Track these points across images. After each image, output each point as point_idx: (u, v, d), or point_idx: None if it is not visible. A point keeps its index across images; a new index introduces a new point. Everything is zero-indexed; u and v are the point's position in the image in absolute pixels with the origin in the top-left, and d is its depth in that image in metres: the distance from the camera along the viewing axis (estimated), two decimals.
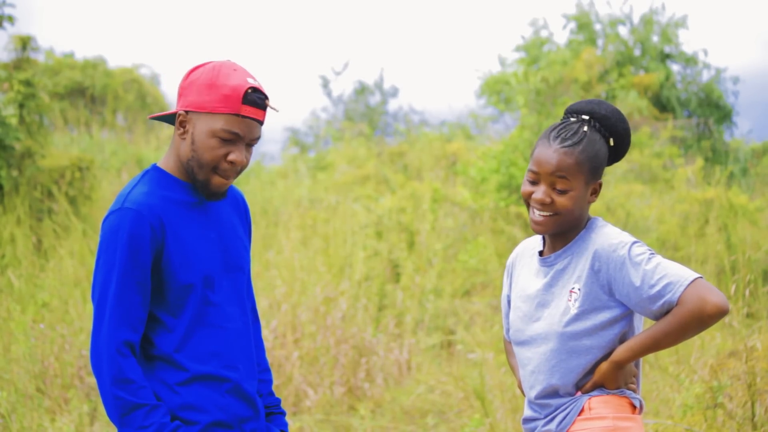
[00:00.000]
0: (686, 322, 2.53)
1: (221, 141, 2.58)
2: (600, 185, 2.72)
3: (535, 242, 2.85)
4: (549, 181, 2.66)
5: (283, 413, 2.89)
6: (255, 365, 2.76)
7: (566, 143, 2.66)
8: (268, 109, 2.66)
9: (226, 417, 2.64)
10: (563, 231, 2.72)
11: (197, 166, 2.61)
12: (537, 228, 2.70)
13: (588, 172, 2.67)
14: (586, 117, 2.71)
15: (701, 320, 2.52)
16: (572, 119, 2.72)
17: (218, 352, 2.64)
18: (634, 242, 2.61)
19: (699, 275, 2.57)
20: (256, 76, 2.66)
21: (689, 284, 2.53)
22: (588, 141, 2.67)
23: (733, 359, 5.15)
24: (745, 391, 4.65)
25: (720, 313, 2.51)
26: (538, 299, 2.73)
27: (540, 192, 2.67)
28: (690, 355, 5.60)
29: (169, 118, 2.71)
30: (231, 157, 2.59)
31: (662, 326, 2.56)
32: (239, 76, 2.60)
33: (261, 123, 2.63)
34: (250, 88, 2.58)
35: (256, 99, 2.59)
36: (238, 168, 2.63)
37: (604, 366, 2.64)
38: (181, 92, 2.64)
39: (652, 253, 2.60)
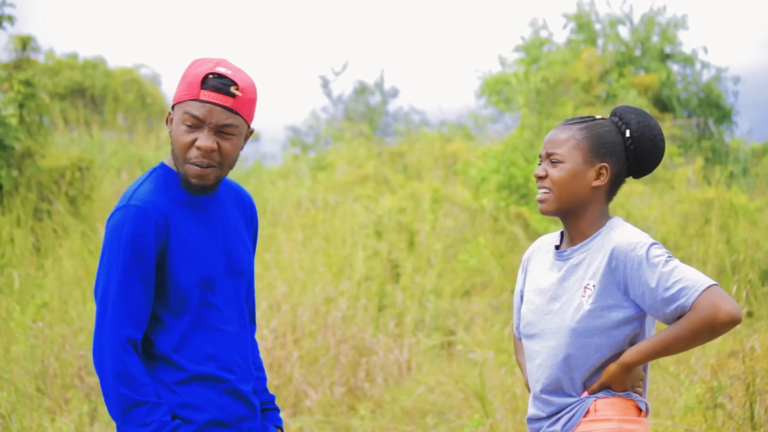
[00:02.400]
0: (698, 328, 2.53)
1: (188, 128, 2.58)
2: (606, 169, 2.70)
3: (553, 238, 2.86)
4: (547, 157, 2.73)
5: (277, 409, 2.88)
6: (251, 368, 2.76)
7: (568, 123, 2.74)
8: (239, 97, 2.60)
9: (224, 416, 2.64)
10: (569, 212, 2.72)
11: (175, 158, 2.63)
12: (540, 207, 2.75)
13: (587, 149, 2.69)
14: (610, 115, 2.78)
15: (713, 327, 2.53)
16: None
17: (215, 354, 2.64)
18: (653, 243, 2.62)
19: (715, 282, 2.56)
20: (241, 69, 2.64)
21: (704, 290, 2.53)
22: (594, 124, 2.73)
23: (733, 359, 5.14)
24: (745, 391, 4.65)
25: (732, 322, 2.52)
26: (551, 293, 2.73)
27: (539, 167, 2.74)
28: (690, 355, 5.60)
29: None
30: (198, 142, 2.57)
31: (674, 331, 2.56)
32: (207, 65, 2.60)
33: (228, 109, 2.58)
34: (211, 73, 2.58)
35: (218, 84, 2.57)
36: (212, 156, 2.59)
37: (613, 367, 2.64)
38: None
39: (670, 256, 2.60)
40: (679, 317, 2.57)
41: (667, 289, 2.55)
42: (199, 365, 2.62)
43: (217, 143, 2.59)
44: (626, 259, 2.61)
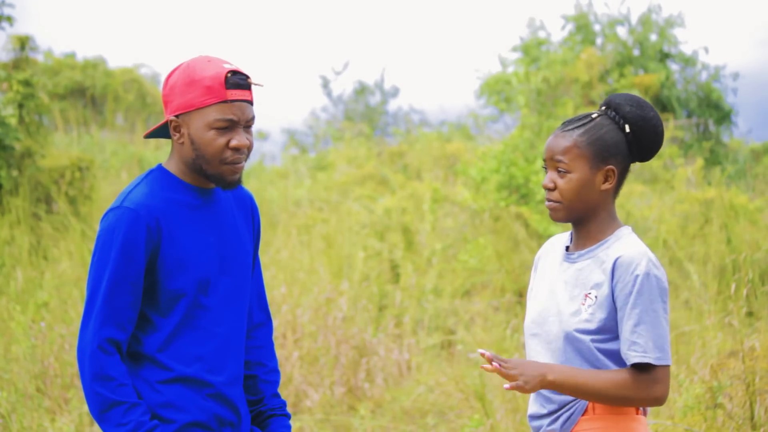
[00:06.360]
0: (626, 388, 2.57)
1: (218, 131, 2.58)
2: (613, 171, 2.68)
3: (565, 239, 2.85)
4: (553, 165, 2.70)
5: (287, 416, 2.85)
6: (242, 371, 2.74)
7: (567, 127, 2.70)
8: (255, 87, 2.65)
9: (206, 418, 2.63)
10: (581, 218, 2.72)
11: (205, 162, 2.61)
12: (551, 215, 2.74)
13: (591, 155, 2.67)
14: (603, 107, 2.74)
15: (638, 398, 2.58)
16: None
17: (202, 356, 2.63)
18: (654, 267, 2.61)
19: (667, 363, 2.58)
20: (233, 62, 2.66)
21: (651, 362, 2.56)
22: (593, 125, 2.69)
23: (733, 359, 5.14)
24: (745, 391, 4.65)
25: (656, 403, 2.58)
26: (556, 295, 2.73)
27: (546, 177, 2.71)
28: (690, 355, 5.60)
29: (163, 131, 2.71)
30: (233, 143, 2.59)
31: (605, 377, 2.58)
32: (215, 65, 2.60)
33: (251, 103, 2.63)
34: (228, 72, 2.59)
35: (239, 80, 2.59)
36: (244, 151, 2.63)
37: (537, 378, 2.61)
38: (166, 100, 2.65)
39: (663, 300, 2.60)
40: (619, 359, 2.61)
41: (633, 332, 2.57)
42: (186, 366, 2.61)
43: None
44: (624, 274, 2.61)
